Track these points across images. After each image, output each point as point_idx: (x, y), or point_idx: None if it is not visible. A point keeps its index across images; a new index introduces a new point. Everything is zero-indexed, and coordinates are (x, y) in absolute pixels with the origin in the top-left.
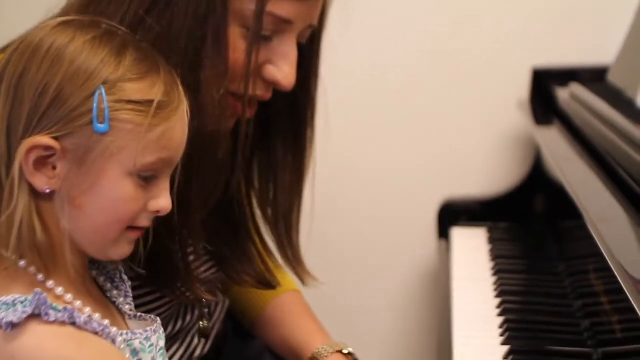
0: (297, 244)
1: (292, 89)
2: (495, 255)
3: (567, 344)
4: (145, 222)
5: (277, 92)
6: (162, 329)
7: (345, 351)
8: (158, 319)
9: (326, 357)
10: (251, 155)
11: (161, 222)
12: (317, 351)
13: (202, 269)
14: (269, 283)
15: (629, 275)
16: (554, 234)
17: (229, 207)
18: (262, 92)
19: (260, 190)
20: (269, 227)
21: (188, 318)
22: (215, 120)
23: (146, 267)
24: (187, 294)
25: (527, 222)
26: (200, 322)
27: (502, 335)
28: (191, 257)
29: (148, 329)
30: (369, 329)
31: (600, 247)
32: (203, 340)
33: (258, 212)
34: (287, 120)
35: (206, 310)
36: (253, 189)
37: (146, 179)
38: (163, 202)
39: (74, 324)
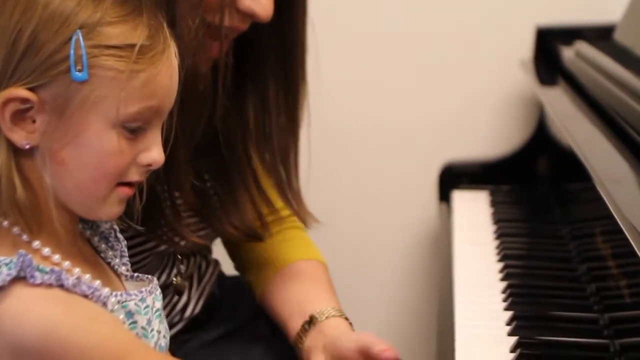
0: (296, 186)
1: (276, 22)
2: (497, 219)
3: (572, 309)
4: (136, 176)
5: (265, 30)
6: (158, 290)
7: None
8: (155, 279)
9: (327, 317)
10: (245, 98)
11: None
12: (320, 310)
13: (190, 220)
14: (257, 235)
15: None
16: (557, 197)
17: (219, 150)
18: (238, 23)
19: (257, 134)
20: (267, 172)
21: (175, 271)
22: (193, 52)
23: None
24: (175, 239)
25: (530, 185)
26: (174, 279)
27: (504, 300)
28: (179, 200)
29: (143, 289)
30: (368, 292)
31: (610, 207)
32: (193, 301)
33: (256, 163)
34: (276, 59)
35: (182, 266)
36: (249, 134)
37: (133, 130)
38: (154, 154)
39: (61, 286)
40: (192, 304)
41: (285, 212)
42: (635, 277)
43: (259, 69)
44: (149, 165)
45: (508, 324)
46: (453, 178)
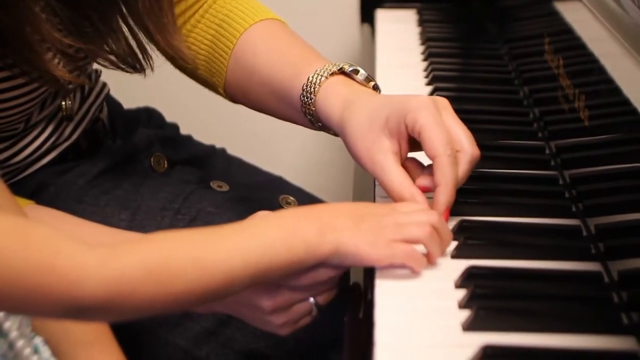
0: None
1: None
2: (426, 38)
3: (513, 137)
4: None
5: None
6: None
7: (348, 68)
8: None
9: (320, 83)
10: None
11: None
12: (308, 81)
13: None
14: (138, 64)
15: None
16: (495, 14)
17: None
18: None
19: None
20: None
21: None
22: None
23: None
24: (44, 76)
25: (463, 2)
26: (62, 102)
27: None
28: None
29: None
30: (285, 131)
31: None
32: (72, 125)
33: None
34: None
35: (70, 86)
36: None
37: None
38: None
39: None
40: (70, 128)
41: None
42: (589, 98)
43: None
44: None
45: None
46: None
